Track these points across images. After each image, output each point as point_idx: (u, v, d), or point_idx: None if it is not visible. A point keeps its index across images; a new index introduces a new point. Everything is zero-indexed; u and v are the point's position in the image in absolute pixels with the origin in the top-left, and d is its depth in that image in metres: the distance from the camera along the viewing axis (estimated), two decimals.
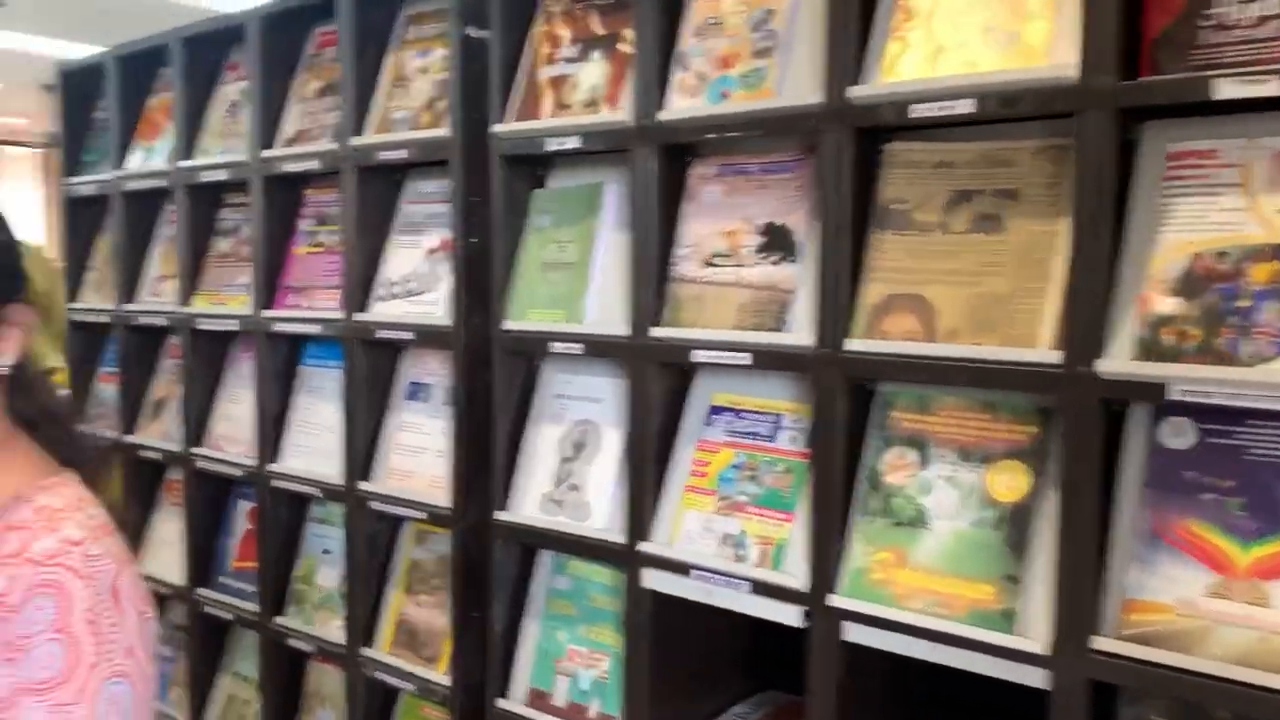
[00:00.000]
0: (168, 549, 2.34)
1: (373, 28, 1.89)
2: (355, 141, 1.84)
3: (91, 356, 2.63)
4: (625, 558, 1.46)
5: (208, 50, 2.26)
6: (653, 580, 1.43)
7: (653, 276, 1.45)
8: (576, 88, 1.55)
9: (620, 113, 1.47)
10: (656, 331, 1.43)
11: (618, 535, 1.47)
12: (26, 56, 8.06)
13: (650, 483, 1.45)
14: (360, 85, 1.87)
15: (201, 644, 2.26)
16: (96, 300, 2.55)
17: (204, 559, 2.24)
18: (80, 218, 2.63)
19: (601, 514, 1.52)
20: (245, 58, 2.11)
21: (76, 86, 2.62)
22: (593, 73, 1.54)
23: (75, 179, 2.59)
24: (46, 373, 0.96)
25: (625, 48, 1.50)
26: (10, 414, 0.98)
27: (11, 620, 0.86)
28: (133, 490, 2.42)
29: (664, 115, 1.42)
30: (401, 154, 1.77)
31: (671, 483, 1.45)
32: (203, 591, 2.21)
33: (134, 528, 2.40)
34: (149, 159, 2.37)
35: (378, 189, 1.88)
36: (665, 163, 1.44)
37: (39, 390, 1.02)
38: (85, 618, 0.88)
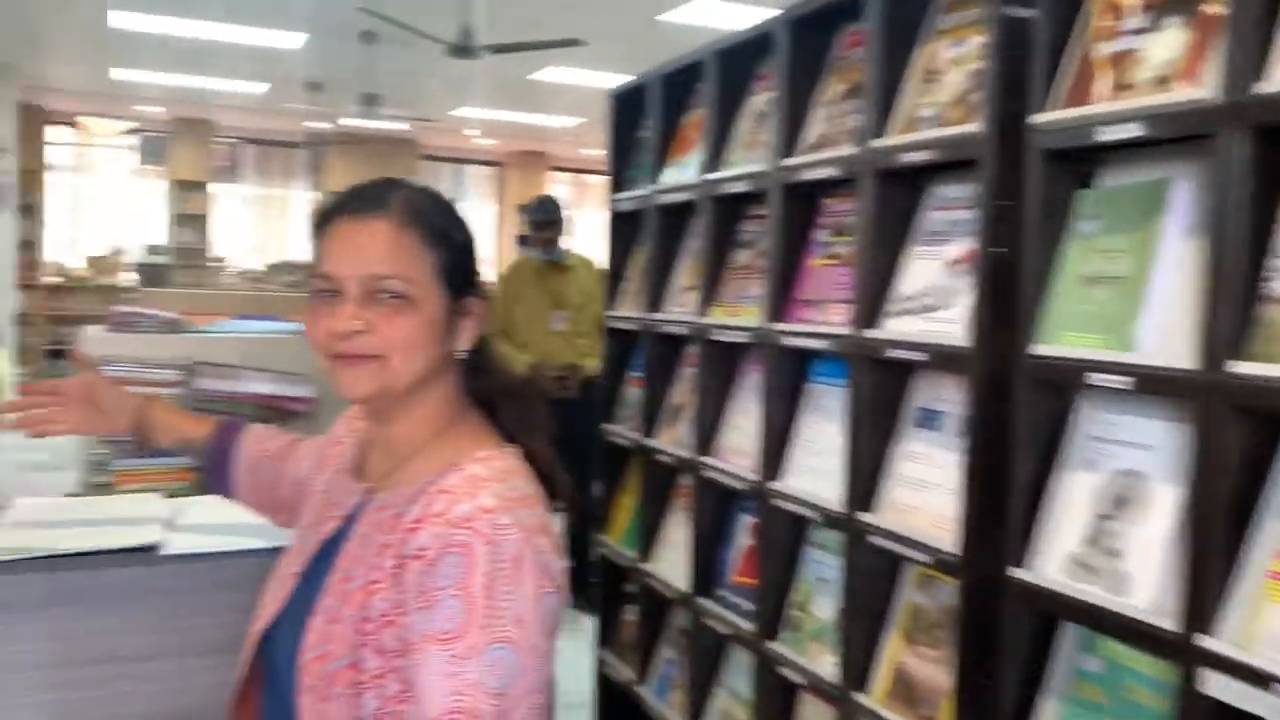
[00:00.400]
0: (675, 552, 2.39)
1: (904, 21, 1.74)
2: (875, 144, 1.70)
3: (623, 361, 2.79)
4: (1178, 650, 1.16)
5: (739, 63, 2.26)
6: (1216, 686, 1.11)
7: (1236, 296, 1.13)
8: (1143, 63, 1.27)
9: (1202, 89, 1.17)
10: (1238, 366, 1.12)
11: (1168, 620, 1.17)
12: (602, 94, 9.11)
13: (1218, 560, 1.14)
14: (886, 84, 1.73)
15: (700, 654, 2.27)
16: (630, 309, 2.70)
17: (706, 568, 2.25)
18: (622, 232, 2.81)
19: (1147, 589, 1.23)
20: (773, 66, 2.08)
21: (624, 109, 2.79)
22: (1167, 43, 1.25)
23: (619, 195, 2.76)
24: None
25: (1213, 8, 1.20)
26: (466, 393, 1.12)
27: (429, 573, 0.96)
28: (649, 491, 2.51)
29: (1264, 87, 1.10)
30: (924, 155, 1.60)
31: (1249, 563, 1.12)
32: (703, 601, 2.22)
33: (648, 527, 2.50)
34: (680, 174, 2.45)
35: (897, 195, 1.73)
36: (1261, 149, 1.12)
37: (496, 372, 1.15)
38: (483, 581, 0.95)
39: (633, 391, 2.72)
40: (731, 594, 2.17)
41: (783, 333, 1.96)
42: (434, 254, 1.07)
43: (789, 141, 1.99)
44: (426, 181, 1.25)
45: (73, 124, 12.22)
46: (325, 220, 1.09)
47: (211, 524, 1.53)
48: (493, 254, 14.06)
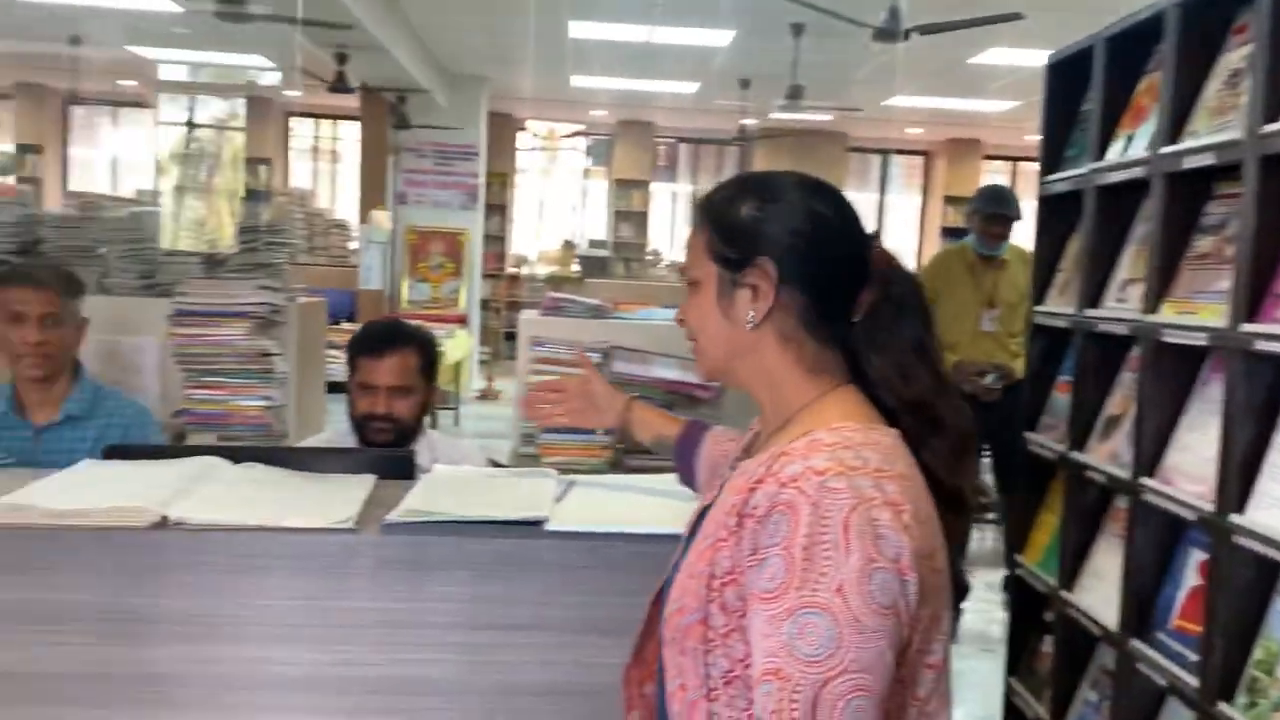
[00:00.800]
0: (1104, 584, 2.08)
1: None
2: None
3: (1051, 363, 2.49)
4: None
5: (1208, 15, 1.91)
6: None
7: None
8: None
9: None
10: None
11: None
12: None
13: None
14: None
15: (1130, 703, 1.95)
16: (1061, 304, 2.41)
17: (1142, 606, 1.93)
18: (1054, 217, 2.51)
19: None
20: (1253, 16, 1.72)
21: (1063, 79, 2.49)
22: None
23: (1052, 177, 2.47)
24: None
25: None
26: (832, 369, 1.12)
27: (759, 531, 0.98)
28: (1074, 511, 2.22)
29: None
30: None
31: None
32: (1136, 644, 1.90)
33: (1072, 551, 2.21)
34: (1128, 148, 2.12)
35: None
36: None
37: (872, 352, 1.11)
38: (803, 542, 0.94)
39: (1059, 398, 2.42)
40: (1172, 640, 1.84)
41: (1256, 335, 1.61)
42: (706, 234, 1.14)
43: (1272, 105, 1.64)
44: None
45: (530, 130, 13.56)
46: None
47: (604, 504, 1.54)
48: (914, 245, 13.65)
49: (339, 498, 1.46)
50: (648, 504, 1.54)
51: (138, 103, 12.65)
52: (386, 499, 1.50)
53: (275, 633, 1.37)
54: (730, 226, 1.13)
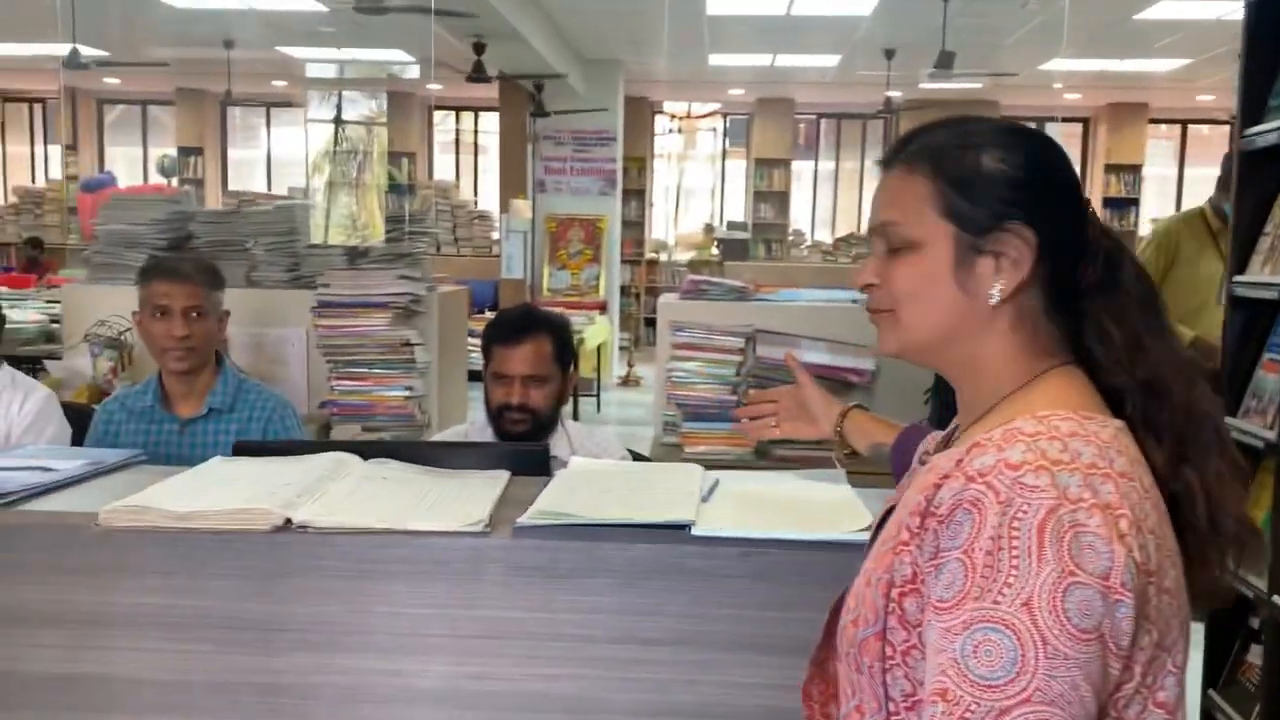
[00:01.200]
0: None
1: None
2: None
3: (1253, 337, 2.21)
4: None
5: None
6: None
7: None
8: None
9: None
10: None
11: None
12: (1219, 25, 7.81)
13: None
14: None
15: None
16: (1265, 272, 2.13)
17: None
18: (1256, 175, 2.23)
19: None
20: None
21: (1266, 18, 2.20)
22: None
23: (1256, 129, 2.18)
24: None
25: None
26: (1062, 351, 0.96)
27: (941, 531, 0.85)
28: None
29: None
30: None
31: None
32: None
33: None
34: None
35: None
36: None
37: (1100, 332, 0.95)
38: (987, 546, 0.81)
39: (1267, 378, 2.15)
40: None
41: None
42: (937, 186, 0.96)
43: None
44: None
45: (667, 113, 13.43)
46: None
47: (756, 504, 1.39)
48: None
49: (470, 497, 1.36)
50: (805, 504, 1.38)
51: (289, 102, 13.11)
52: (520, 497, 1.40)
53: (402, 643, 1.28)
54: (971, 178, 0.95)
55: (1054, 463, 0.83)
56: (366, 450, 1.56)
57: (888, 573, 0.90)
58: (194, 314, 2.36)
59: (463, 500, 1.35)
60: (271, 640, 1.28)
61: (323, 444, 1.69)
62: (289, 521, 1.27)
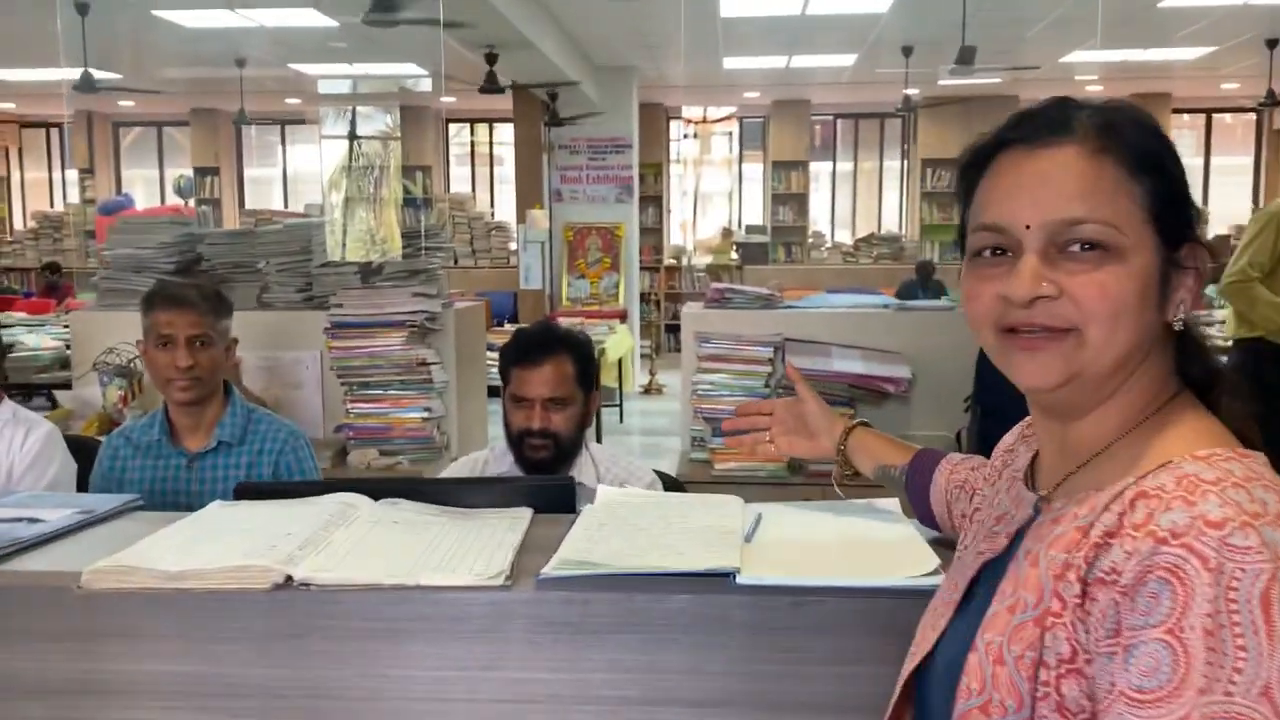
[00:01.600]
0: None
1: None
2: None
3: None
4: None
5: None
6: None
7: None
8: None
9: None
10: None
11: None
12: (1245, 10, 7.62)
13: None
14: None
15: None
16: None
17: None
18: None
19: None
20: None
21: None
22: None
23: None
24: None
25: None
26: (1177, 375, 0.85)
27: (1124, 604, 0.71)
28: None
29: None
30: None
31: None
32: None
33: None
34: None
35: None
36: None
37: (1205, 352, 0.87)
38: (1204, 624, 0.68)
39: None
40: None
41: None
42: (1142, 187, 0.81)
43: None
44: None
45: (683, 118, 13.31)
46: (984, 156, 0.87)
47: (808, 543, 1.26)
48: None
49: (488, 544, 1.24)
50: (861, 543, 1.25)
51: (303, 119, 13.08)
52: (545, 540, 1.28)
53: (417, 708, 1.16)
54: (1177, 183, 0.83)
55: (1253, 516, 0.71)
56: (376, 490, 1.44)
57: (1032, 650, 0.76)
58: (199, 343, 2.25)
59: (481, 547, 1.23)
60: (274, 707, 1.16)
61: (328, 484, 1.58)
62: (289, 579, 1.15)
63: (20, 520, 1.37)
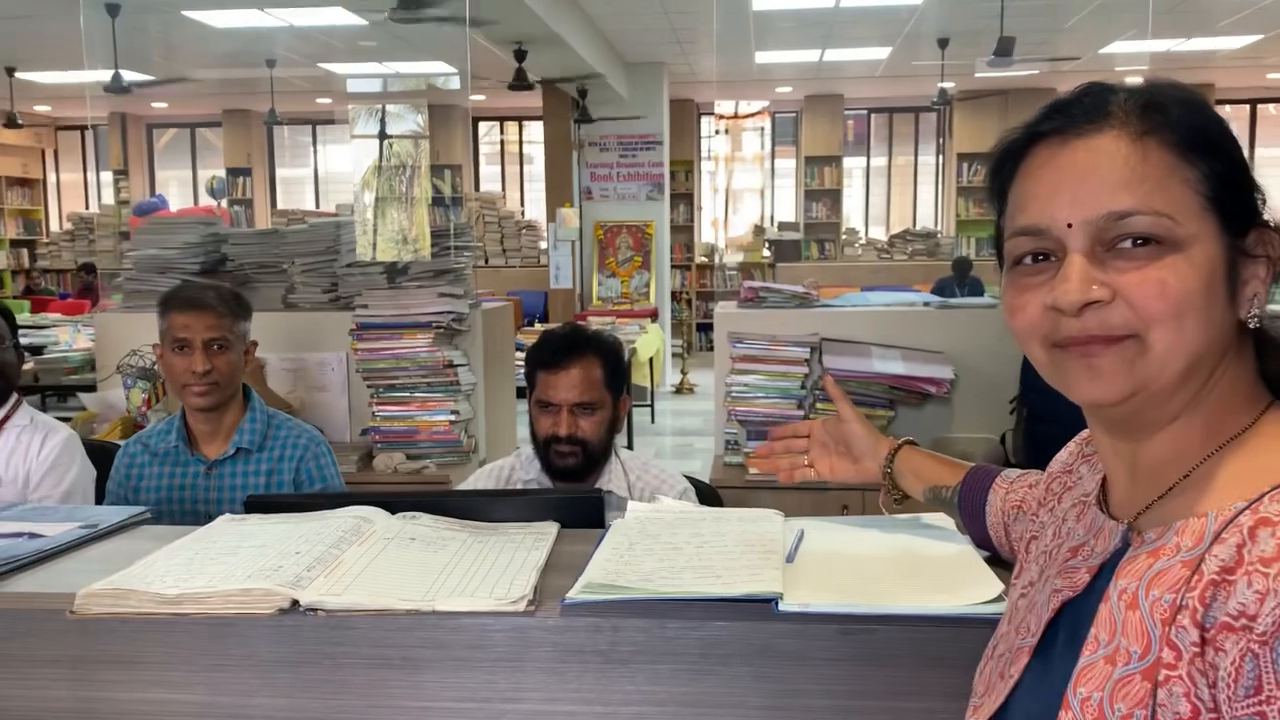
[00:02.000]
0: None
1: None
2: None
3: None
4: None
5: None
6: None
7: None
8: None
9: None
10: None
11: None
12: None
13: None
14: None
15: None
16: None
17: None
18: None
19: None
20: None
21: None
22: None
23: None
24: None
25: None
26: (1262, 378, 0.76)
27: (1260, 654, 0.61)
28: None
29: None
30: None
31: None
32: None
33: None
34: None
35: None
36: None
37: None
38: None
39: None
40: None
41: None
42: (1196, 170, 0.71)
43: None
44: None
45: (715, 114, 13.19)
46: (1016, 153, 0.77)
47: (856, 565, 1.17)
48: None
49: (510, 564, 1.16)
50: (914, 564, 1.15)
51: (333, 119, 13.09)
52: (571, 559, 1.19)
53: None
54: (1236, 165, 0.72)
55: None
56: (394, 502, 1.36)
57: (1142, 708, 0.66)
58: (216, 346, 2.18)
59: (502, 568, 1.14)
60: None
61: (343, 496, 1.50)
62: (295, 603, 1.07)
63: (20, 536, 1.30)
